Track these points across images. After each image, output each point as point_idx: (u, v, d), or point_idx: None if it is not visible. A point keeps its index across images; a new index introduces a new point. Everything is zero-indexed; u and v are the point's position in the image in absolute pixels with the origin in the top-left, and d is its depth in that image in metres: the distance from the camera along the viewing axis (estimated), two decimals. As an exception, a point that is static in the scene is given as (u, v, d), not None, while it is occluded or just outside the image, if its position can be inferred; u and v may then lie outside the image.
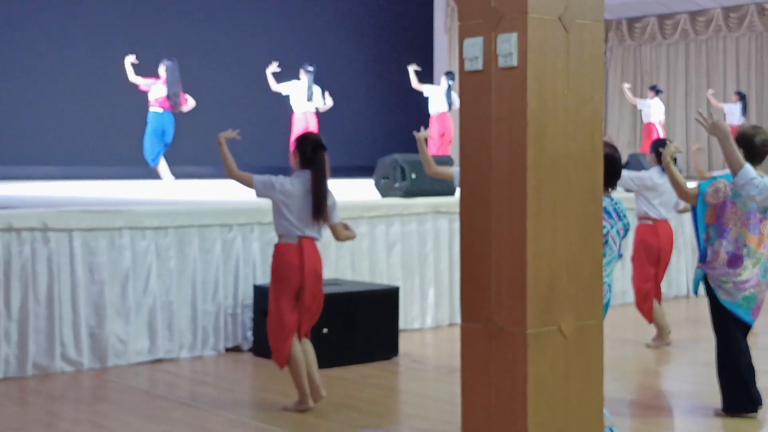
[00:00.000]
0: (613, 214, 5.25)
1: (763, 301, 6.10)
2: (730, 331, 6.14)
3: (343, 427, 6.00)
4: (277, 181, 6.18)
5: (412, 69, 15.39)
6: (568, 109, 4.62)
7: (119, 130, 16.11)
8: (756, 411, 6.11)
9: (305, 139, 6.32)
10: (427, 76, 17.95)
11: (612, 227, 5.26)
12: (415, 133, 7.10)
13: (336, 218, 6.35)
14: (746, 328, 6.17)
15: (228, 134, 6.43)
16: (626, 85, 18.62)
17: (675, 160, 8.56)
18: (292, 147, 6.31)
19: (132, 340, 7.74)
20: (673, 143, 7.09)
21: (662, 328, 8.39)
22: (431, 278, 9.42)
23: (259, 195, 6.26)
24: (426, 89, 15.38)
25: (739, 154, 4.67)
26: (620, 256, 5.53)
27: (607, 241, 5.23)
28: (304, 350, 6.33)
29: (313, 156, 6.20)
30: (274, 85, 14.28)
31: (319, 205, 6.15)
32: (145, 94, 13.26)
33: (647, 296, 8.32)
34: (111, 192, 11.40)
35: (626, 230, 5.36)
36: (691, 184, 6.31)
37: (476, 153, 4.66)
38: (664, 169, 6.60)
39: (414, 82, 15.39)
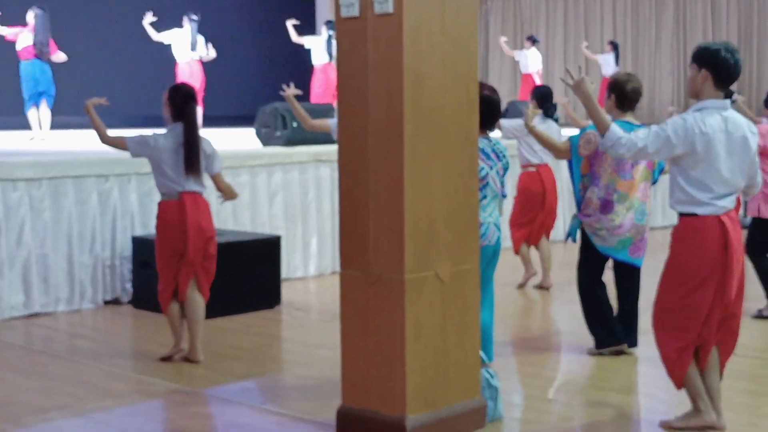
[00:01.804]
0: (492, 155, 5.33)
1: (646, 241, 6.29)
2: (593, 271, 6.34)
3: (225, 377, 5.99)
4: (150, 138, 6.08)
5: (290, 24, 15.19)
6: (445, 57, 4.66)
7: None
8: (621, 344, 6.32)
9: (176, 90, 6.21)
10: (310, 26, 17.79)
11: (491, 168, 5.34)
12: (282, 92, 7.01)
13: (216, 168, 6.29)
14: (601, 268, 6.35)
15: (95, 101, 6.28)
16: (503, 39, 18.80)
17: (555, 111, 8.72)
18: (164, 98, 6.19)
19: (6, 295, 7.56)
20: (530, 108, 7.19)
21: (528, 267, 8.66)
22: (314, 227, 9.43)
23: (134, 155, 6.20)
24: (306, 41, 15.22)
25: (602, 115, 4.78)
26: (504, 196, 5.62)
27: (487, 183, 5.32)
28: (192, 307, 6.27)
29: (184, 107, 6.10)
30: (155, 35, 13.95)
31: (191, 158, 6.06)
32: (14, 44, 12.79)
33: (520, 235, 8.59)
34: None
35: (506, 170, 5.45)
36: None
37: (353, 101, 4.67)
38: (528, 130, 6.68)
39: (293, 36, 15.21)
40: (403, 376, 4.54)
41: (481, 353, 4.99)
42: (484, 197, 5.33)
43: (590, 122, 6.55)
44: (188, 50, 14.03)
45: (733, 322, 4.82)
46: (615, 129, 4.69)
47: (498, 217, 5.52)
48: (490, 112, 5.32)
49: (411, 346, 4.54)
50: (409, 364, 4.54)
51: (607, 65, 18.03)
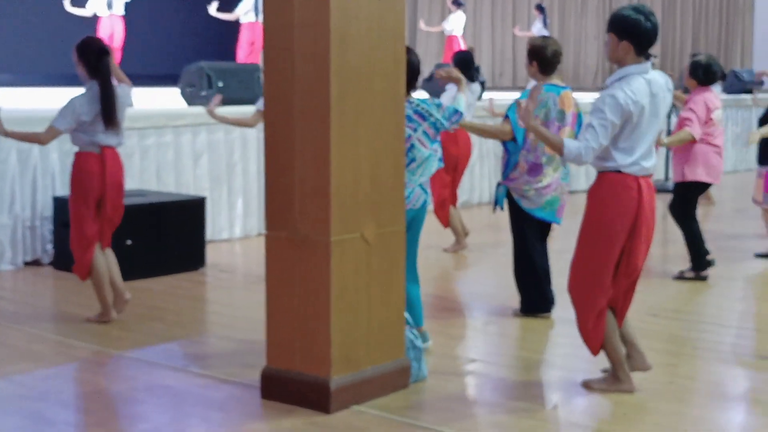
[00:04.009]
0: (415, 117, 5.28)
1: (566, 202, 6.36)
2: (527, 235, 6.40)
3: (148, 339, 5.94)
4: (70, 108, 5.96)
5: (213, 9, 14.96)
6: (372, 17, 4.63)
7: None
8: (549, 311, 6.42)
9: (87, 46, 6.06)
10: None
11: (416, 131, 5.30)
12: (207, 110, 6.79)
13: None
14: (543, 232, 6.43)
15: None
16: (421, 23, 18.86)
17: (478, 75, 8.73)
18: (75, 57, 6.04)
19: None
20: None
21: (458, 233, 8.65)
22: (239, 188, 9.35)
23: (69, 131, 6.04)
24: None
25: (553, 138, 4.84)
26: (440, 160, 5.57)
27: (413, 145, 5.28)
28: (106, 260, 6.22)
29: (98, 64, 5.98)
30: None
31: (109, 114, 5.97)
32: None
33: (444, 203, 8.54)
34: None
35: (436, 128, 5.37)
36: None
37: (279, 60, 4.62)
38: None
39: (223, 15, 14.97)
40: (328, 337, 4.54)
41: (406, 314, 5.01)
42: (412, 160, 5.30)
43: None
44: (104, 8, 13.79)
45: (632, 289, 4.91)
46: (569, 145, 4.69)
47: (426, 180, 5.48)
48: (410, 74, 5.27)
49: (335, 307, 4.54)
50: (334, 326, 4.54)
51: (540, 32, 18.15)
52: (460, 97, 5.57)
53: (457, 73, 5.71)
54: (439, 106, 5.35)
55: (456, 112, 5.43)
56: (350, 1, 4.50)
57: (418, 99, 5.35)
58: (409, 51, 5.31)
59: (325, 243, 4.51)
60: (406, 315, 5.02)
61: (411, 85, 5.32)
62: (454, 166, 8.51)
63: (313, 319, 4.58)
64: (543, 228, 6.44)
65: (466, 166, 8.72)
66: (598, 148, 4.63)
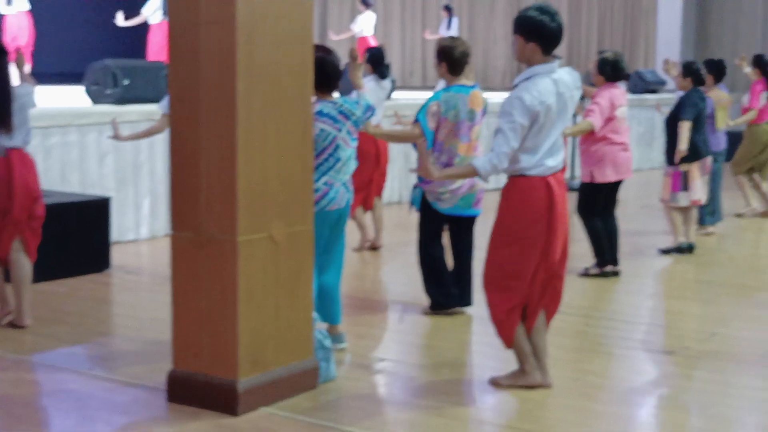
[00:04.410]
0: (339, 117, 5.27)
1: (482, 193, 6.41)
2: (433, 236, 6.43)
3: (51, 342, 5.80)
4: None
5: (120, 19, 14.72)
6: (279, 15, 4.59)
7: None
8: (453, 307, 6.45)
9: None
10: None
11: (340, 131, 5.28)
12: (113, 137, 6.67)
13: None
14: (464, 228, 6.46)
15: None
16: (331, 33, 18.92)
17: (389, 72, 8.72)
18: None
19: None
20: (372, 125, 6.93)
21: (364, 230, 8.69)
22: (146, 188, 9.20)
23: None
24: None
25: (464, 169, 4.88)
26: (356, 158, 5.56)
27: (339, 145, 5.27)
28: (19, 269, 6.04)
29: None
30: None
31: (2, 114, 5.77)
32: None
33: (356, 193, 8.56)
34: None
35: (357, 125, 5.37)
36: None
37: (184, 58, 4.56)
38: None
39: (129, 22, 14.73)
40: (235, 338, 4.48)
41: (315, 314, 4.98)
42: (338, 160, 5.29)
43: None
44: (3, 4, 13.47)
45: (558, 282, 4.96)
46: (480, 164, 4.70)
47: (349, 179, 5.47)
48: (326, 73, 5.26)
49: (243, 308, 4.49)
50: (241, 327, 4.49)
51: (449, 32, 18.25)
52: (363, 95, 5.58)
53: (358, 63, 5.74)
54: (357, 103, 5.38)
55: (369, 107, 5.46)
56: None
57: (341, 99, 5.34)
58: (330, 52, 5.31)
59: (232, 243, 4.45)
60: (315, 315, 4.99)
61: (333, 86, 5.31)
62: (374, 163, 8.50)
63: (220, 321, 4.52)
64: (459, 226, 6.47)
65: (388, 160, 8.72)
66: (511, 151, 4.66)
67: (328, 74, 5.29)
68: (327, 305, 5.51)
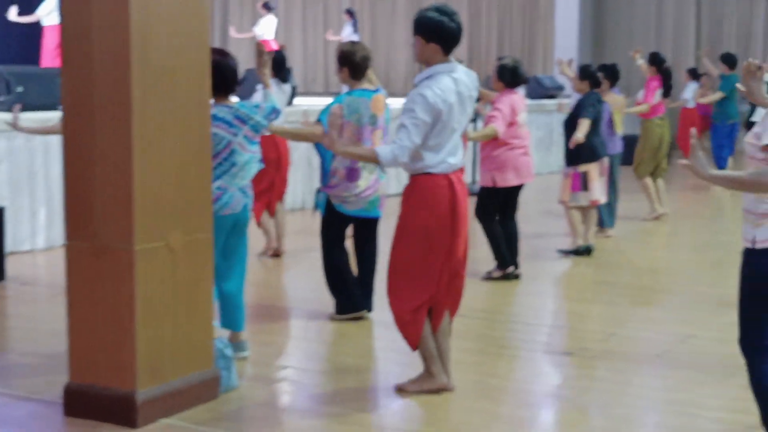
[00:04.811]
0: (235, 122, 5.20)
1: (384, 197, 6.41)
2: (336, 239, 6.41)
3: (-59, 358, 5.61)
4: None
5: (14, 14, 14.35)
6: (174, 19, 4.51)
7: None
8: (361, 310, 6.44)
9: None
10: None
11: (236, 135, 5.20)
12: (10, 124, 6.47)
13: None
14: (369, 230, 6.45)
15: None
16: (232, 29, 18.79)
17: (290, 76, 8.67)
18: None
19: None
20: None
21: (270, 236, 8.60)
22: (42, 197, 8.97)
23: None
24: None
25: (365, 151, 4.87)
26: (260, 161, 5.49)
27: (234, 150, 5.19)
28: None
29: None
30: None
31: None
32: None
33: (259, 199, 8.47)
34: None
35: (256, 130, 5.29)
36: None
37: (77, 63, 4.46)
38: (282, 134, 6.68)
39: (23, 19, 14.38)
40: (133, 349, 4.39)
41: (216, 323, 4.91)
42: (233, 165, 5.21)
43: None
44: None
45: (459, 282, 4.99)
46: (382, 152, 4.70)
47: (247, 184, 5.39)
48: (222, 77, 5.18)
49: (140, 318, 4.40)
50: (139, 337, 4.40)
51: (350, 36, 18.28)
52: (269, 94, 5.52)
53: (266, 59, 5.68)
54: (257, 107, 5.30)
55: (274, 110, 5.39)
56: (151, 2, 4.37)
57: (237, 103, 5.27)
58: (227, 55, 5.23)
59: (129, 252, 4.36)
60: (216, 323, 4.92)
61: (231, 90, 5.23)
62: (275, 169, 8.43)
63: (117, 331, 4.43)
64: (363, 229, 6.46)
65: (289, 165, 8.65)
66: (413, 146, 4.67)
67: (224, 78, 5.21)
68: (230, 312, 5.44)
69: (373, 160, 4.75)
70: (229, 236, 5.35)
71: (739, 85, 4.38)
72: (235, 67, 5.32)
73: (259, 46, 5.79)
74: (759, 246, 3.90)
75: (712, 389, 5.15)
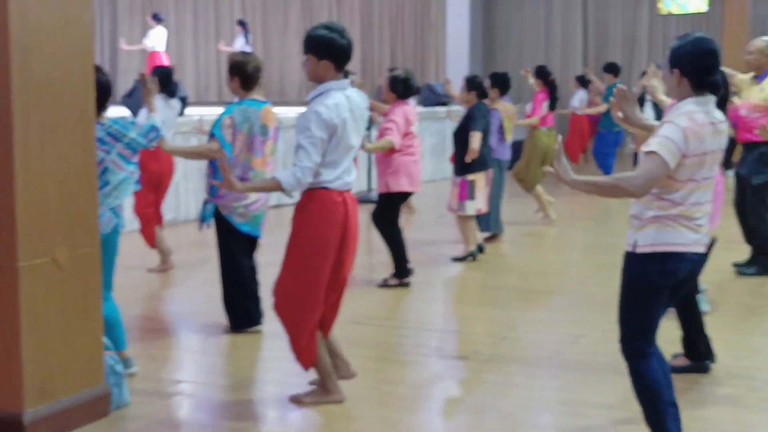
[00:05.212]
0: (108, 139, 5.08)
1: (267, 216, 6.40)
2: (234, 251, 6.36)
3: None
4: None
5: None
6: (56, 29, 4.43)
7: None
8: (260, 324, 6.41)
9: None
10: None
11: (109, 153, 5.09)
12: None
13: None
14: (251, 246, 6.43)
15: None
16: (122, 41, 18.55)
17: (177, 90, 8.57)
18: None
19: None
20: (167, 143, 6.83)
21: (164, 253, 8.46)
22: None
23: None
24: None
25: (268, 183, 4.87)
26: (137, 183, 5.37)
27: (107, 168, 5.08)
28: None
29: None
30: None
31: None
32: None
33: (149, 221, 8.34)
34: None
35: (133, 148, 5.17)
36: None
37: (-45, 76, 4.32)
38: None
39: None
40: (19, 368, 4.29)
41: (106, 339, 4.83)
42: (106, 183, 5.08)
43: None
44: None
45: (339, 300, 5.02)
46: (284, 178, 4.66)
47: (120, 204, 5.27)
48: (100, 94, 5.02)
49: (27, 335, 4.30)
50: (25, 355, 4.30)
51: (243, 47, 18.18)
52: (152, 117, 5.42)
53: (151, 88, 5.59)
54: (133, 124, 5.18)
55: (153, 128, 5.28)
56: (30, 14, 4.28)
57: (110, 120, 5.14)
58: (98, 70, 5.09)
59: (12, 269, 4.26)
60: (106, 339, 4.83)
61: (102, 106, 5.09)
62: (157, 183, 8.31)
63: (3, 351, 4.31)
64: (250, 242, 6.44)
65: (170, 184, 8.54)
66: (313, 166, 4.67)
67: (101, 96, 5.07)
68: (110, 332, 5.28)
69: (277, 188, 4.72)
70: None
71: (612, 99, 4.51)
72: (106, 82, 5.13)
73: (143, 77, 5.70)
74: (639, 251, 4.02)
75: (601, 388, 5.27)
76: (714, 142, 4.00)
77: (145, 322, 6.84)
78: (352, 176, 4.88)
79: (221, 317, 6.54)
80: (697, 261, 4.08)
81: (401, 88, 7.78)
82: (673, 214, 3.97)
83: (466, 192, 8.61)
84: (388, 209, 7.84)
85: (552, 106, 10.93)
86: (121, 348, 5.34)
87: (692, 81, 4.02)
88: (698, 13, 17.98)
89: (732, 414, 4.89)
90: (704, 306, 6.32)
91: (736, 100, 7.97)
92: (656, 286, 4.02)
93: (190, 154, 6.73)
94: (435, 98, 16.11)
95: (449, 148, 14.92)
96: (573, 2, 19.68)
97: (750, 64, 7.93)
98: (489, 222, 9.64)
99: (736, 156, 8.19)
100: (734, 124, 7.91)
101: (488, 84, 9.56)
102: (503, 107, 9.84)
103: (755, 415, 4.89)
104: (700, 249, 4.06)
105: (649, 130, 4.58)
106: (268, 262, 6.25)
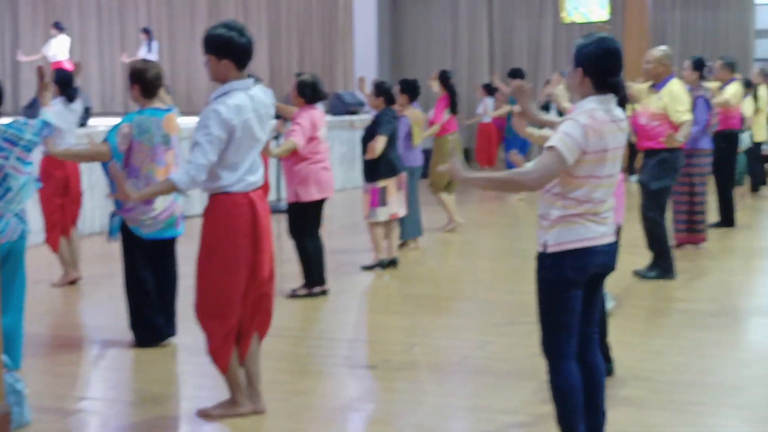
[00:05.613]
0: (5, 145, 4.96)
1: (182, 214, 6.29)
2: (139, 264, 6.26)
3: None
4: None
5: None
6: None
7: None
8: (165, 339, 6.31)
9: None
10: None
11: (8, 159, 4.97)
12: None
13: None
14: (165, 255, 6.32)
15: None
16: (20, 53, 18.21)
17: (77, 95, 8.39)
18: None
19: None
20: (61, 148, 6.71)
21: (66, 263, 8.27)
22: None
23: None
24: None
25: (161, 186, 4.83)
26: (37, 181, 5.26)
27: (8, 174, 4.96)
28: None
29: None
30: None
31: None
32: None
33: (54, 226, 8.16)
34: None
35: (29, 149, 5.05)
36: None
37: None
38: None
39: None
40: None
41: (4, 357, 4.70)
42: (8, 190, 4.97)
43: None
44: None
45: (267, 302, 4.97)
46: (178, 178, 4.61)
47: (23, 208, 5.14)
48: None
49: None
50: None
51: (145, 55, 17.93)
52: (45, 111, 5.31)
53: (47, 82, 5.49)
54: (26, 124, 5.09)
55: (45, 124, 5.19)
56: None
57: (4, 125, 5.03)
58: None
59: None
60: (4, 358, 4.70)
61: None
62: (63, 188, 8.11)
63: None
64: (165, 249, 6.31)
65: (80, 189, 8.32)
66: (208, 164, 4.62)
67: None
68: (8, 348, 5.13)
69: (172, 189, 4.67)
70: (3, 266, 5.08)
71: (515, 108, 4.56)
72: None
73: (40, 70, 5.58)
74: (550, 250, 4.06)
75: (508, 393, 5.31)
76: (615, 139, 4.06)
77: (47, 338, 6.67)
78: (258, 175, 4.83)
79: (128, 330, 6.41)
80: (609, 251, 4.14)
81: (309, 92, 7.74)
82: (579, 212, 4.02)
83: (378, 199, 8.62)
84: (302, 219, 7.79)
85: (453, 110, 10.95)
86: (16, 366, 5.20)
87: (594, 80, 4.07)
88: (601, 22, 18.32)
89: (634, 415, 4.98)
90: (609, 303, 6.41)
91: (638, 107, 8.14)
92: (571, 283, 4.06)
93: (78, 157, 6.55)
94: (344, 107, 16.10)
95: (358, 157, 14.91)
96: (479, 10, 19.87)
97: (648, 73, 8.11)
98: (403, 229, 9.65)
99: (639, 162, 8.36)
100: (634, 132, 8.07)
101: (397, 90, 9.59)
102: (412, 114, 9.88)
103: (657, 416, 4.99)
104: (610, 239, 4.12)
105: (549, 125, 4.65)
106: (183, 274, 6.15)
